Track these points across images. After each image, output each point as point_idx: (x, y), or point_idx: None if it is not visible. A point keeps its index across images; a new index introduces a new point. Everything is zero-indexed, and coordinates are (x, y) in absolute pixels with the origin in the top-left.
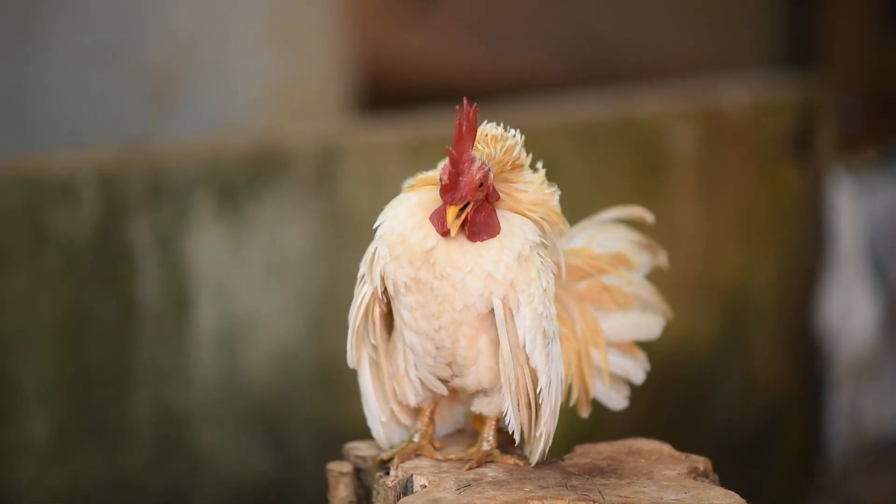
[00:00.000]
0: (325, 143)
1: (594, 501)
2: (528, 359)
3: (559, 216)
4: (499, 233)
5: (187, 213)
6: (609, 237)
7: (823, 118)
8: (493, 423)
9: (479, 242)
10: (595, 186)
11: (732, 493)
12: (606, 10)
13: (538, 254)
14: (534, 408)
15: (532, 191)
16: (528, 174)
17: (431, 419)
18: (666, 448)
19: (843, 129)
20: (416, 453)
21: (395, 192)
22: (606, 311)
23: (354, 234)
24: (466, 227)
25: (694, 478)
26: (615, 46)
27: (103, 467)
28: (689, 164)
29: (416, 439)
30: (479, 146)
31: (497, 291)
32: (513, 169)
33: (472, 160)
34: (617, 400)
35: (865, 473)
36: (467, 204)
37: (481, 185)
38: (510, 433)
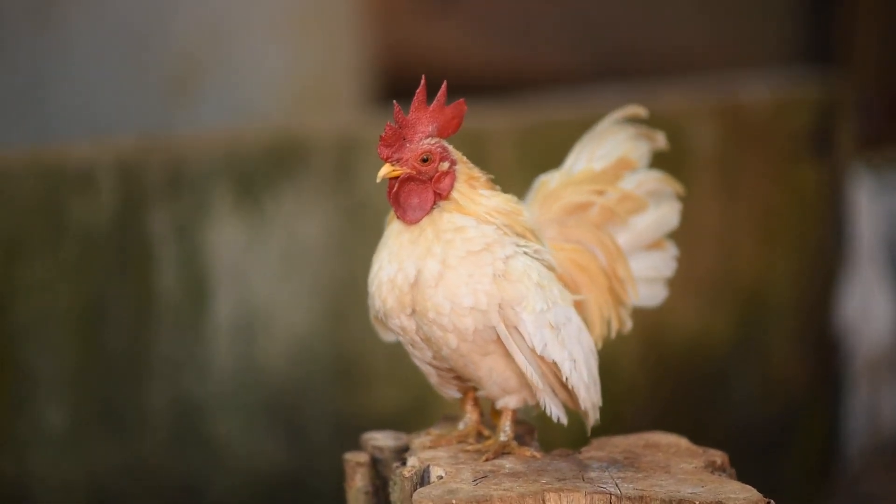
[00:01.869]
0: (344, 136)
1: (610, 494)
2: (543, 357)
3: (525, 229)
4: (418, 219)
5: (206, 204)
6: (606, 146)
7: (843, 116)
8: (511, 414)
9: (446, 273)
10: None
11: (749, 487)
12: (626, 5)
13: (516, 253)
14: (568, 390)
15: (498, 200)
16: (496, 190)
17: (475, 405)
18: (683, 442)
19: (863, 127)
20: (459, 440)
21: None
22: (623, 223)
23: (372, 226)
24: (391, 197)
25: (711, 472)
26: (635, 42)
27: (120, 457)
28: (708, 161)
29: (460, 427)
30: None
31: (489, 319)
32: (482, 182)
33: (427, 135)
34: (655, 296)
35: (882, 471)
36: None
37: (425, 160)
38: (529, 424)
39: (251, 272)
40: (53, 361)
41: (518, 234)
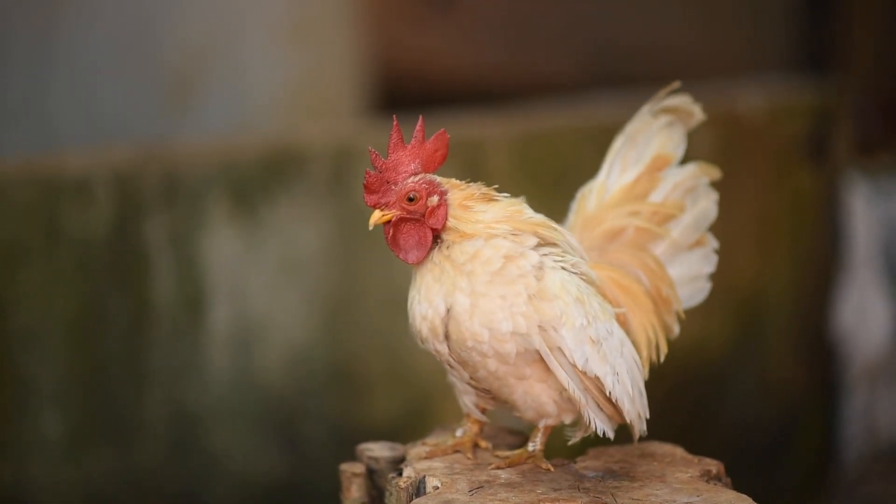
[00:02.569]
0: (339, 145)
1: None
2: (585, 373)
3: (533, 224)
4: (422, 258)
5: (202, 214)
6: (638, 147)
7: (839, 122)
8: (542, 427)
9: (478, 302)
10: None
11: (745, 496)
12: (624, 12)
13: (551, 266)
14: (613, 403)
15: (495, 209)
16: (496, 199)
17: (477, 419)
18: (678, 451)
19: (859, 133)
20: (454, 450)
21: None
22: (662, 236)
23: (369, 235)
24: (389, 242)
25: (706, 481)
26: (633, 48)
27: (116, 466)
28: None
29: (458, 434)
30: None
31: (530, 342)
32: (476, 198)
33: (411, 173)
34: (697, 294)
35: (879, 477)
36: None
37: (412, 199)
38: (523, 435)
39: (247, 281)
40: (50, 369)
41: (532, 234)
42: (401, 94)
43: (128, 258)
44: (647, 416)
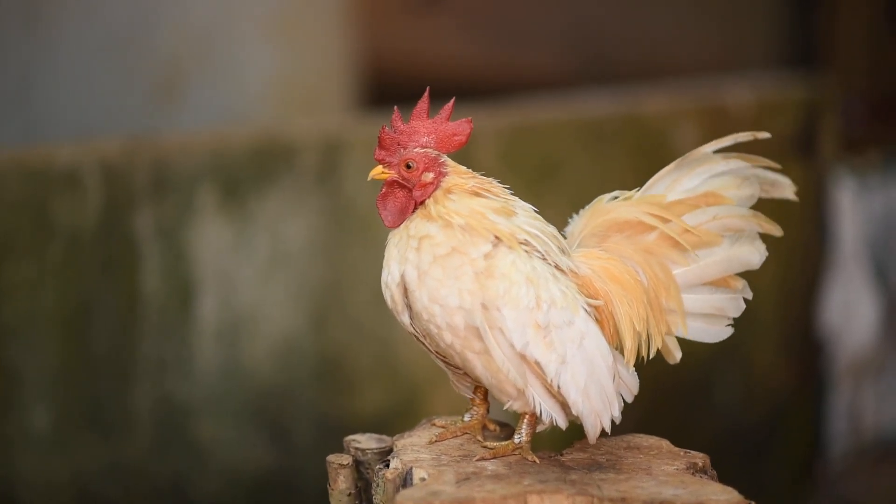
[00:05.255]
0: (328, 138)
1: (592, 496)
2: (524, 356)
3: (494, 229)
4: (396, 224)
5: (191, 206)
6: (695, 179)
7: (826, 119)
8: (526, 418)
9: (423, 278)
10: (599, 183)
11: (731, 489)
12: (612, 7)
13: (502, 250)
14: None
15: (466, 203)
16: (469, 197)
17: (483, 399)
18: (664, 444)
19: (846, 129)
20: (463, 432)
21: None
22: (686, 255)
23: (357, 228)
24: (378, 199)
25: (692, 474)
26: (620, 44)
27: (104, 458)
28: None
29: (466, 419)
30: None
31: (474, 318)
32: (465, 189)
33: (422, 145)
34: (716, 332)
35: (865, 473)
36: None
37: (409, 167)
38: (510, 426)
39: (236, 274)
40: (39, 362)
41: (488, 238)
42: (390, 89)
43: (117, 250)
44: (615, 415)
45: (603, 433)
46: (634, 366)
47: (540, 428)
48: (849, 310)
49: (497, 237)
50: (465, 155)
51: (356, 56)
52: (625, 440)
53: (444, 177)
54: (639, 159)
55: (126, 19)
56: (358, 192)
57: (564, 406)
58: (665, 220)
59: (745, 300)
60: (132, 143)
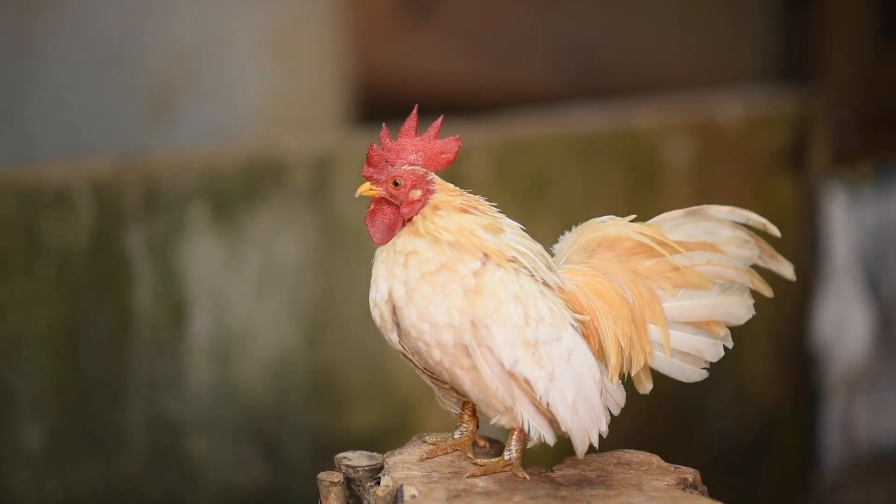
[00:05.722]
0: (320, 155)
1: None
2: (513, 374)
3: (483, 245)
4: (384, 241)
5: (182, 224)
6: (700, 228)
7: (817, 132)
8: (515, 434)
9: (412, 295)
10: (590, 197)
11: None
12: (603, 23)
13: (494, 266)
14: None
15: (454, 219)
16: (458, 214)
17: (473, 416)
18: (655, 459)
19: (837, 142)
20: (454, 449)
21: None
22: (674, 290)
23: (348, 244)
24: (366, 216)
25: (683, 489)
26: (611, 59)
27: (97, 475)
28: (683, 177)
29: (456, 436)
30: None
31: (462, 336)
32: (453, 206)
33: (410, 162)
34: (691, 373)
35: (858, 485)
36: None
37: (397, 184)
38: (499, 442)
39: (228, 291)
40: (31, 381)
41: (476, 255)
42: (381, 105)
43: (108, 268)
44: (602, 430)
45: (591, 448)
46: (622, 378)
47: (529, 445)
48: (841, 322)
49: (485, 254)
50: (456, 170)
51: (348, 73)
52: (615, 456)
53: (431, 194)
54: (630, 174)
55: (117, 38)
56: (349, 208)
57: (553, 422)
58: (658, 242)
59: (726, 348)
60: (123, 161)
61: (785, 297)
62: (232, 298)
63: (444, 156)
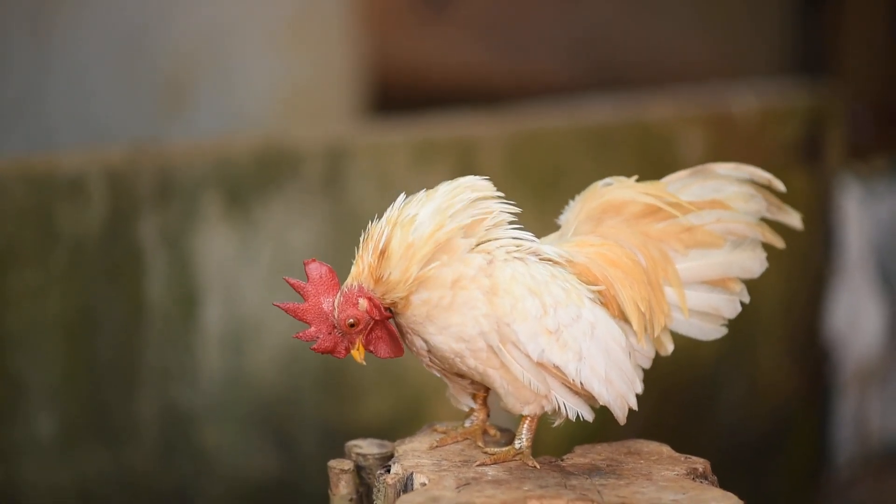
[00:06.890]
0: (333, 145)
1: (593, 501)
2: (542, 364)
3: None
4: (402, 348)
5: (195, 213)
6: (707, 187)
7: (832, 126)
8: (527, 422)
9: (446, 330)
10: None
11: (730, 494)
12: (618, 15)
13: (502, 259)
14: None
15: (396, 268)
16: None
17: (483, 404)
18: (665, 449)
19: (852, 136)
20: (464, 437)
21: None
22: (686, 251)
23: (361, 235)
24: (373, 352)
25: (693, 479)
26: (626, 51)
27: (109, 466)
28: None
29: (467, 424)
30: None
31: (491, 338)
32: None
33: (331, 310)
34: (710, 331)
35: (871, 480)
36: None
37: (352, 324)
38: (510, 431)
39: (241, 281)
40: (43, 370)
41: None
42: (394, 96)
43: (121, 258)
44: (638, 390)
45: (630, 412)
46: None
47: (558, 422)
48: (855, 317)
49: (487, 252)
50: (471, 161)
51: (362, 63)
52: (625, 445)
53: (363, 290)
54: (644, 166)
55: (131, 27)
56: (363, 199)
57: (589, 398)
58: (667, 203)
59: (742, 303)
60: (137, 150)
61: (798, 291)
62: (245, 288)
63: (324, 278)
